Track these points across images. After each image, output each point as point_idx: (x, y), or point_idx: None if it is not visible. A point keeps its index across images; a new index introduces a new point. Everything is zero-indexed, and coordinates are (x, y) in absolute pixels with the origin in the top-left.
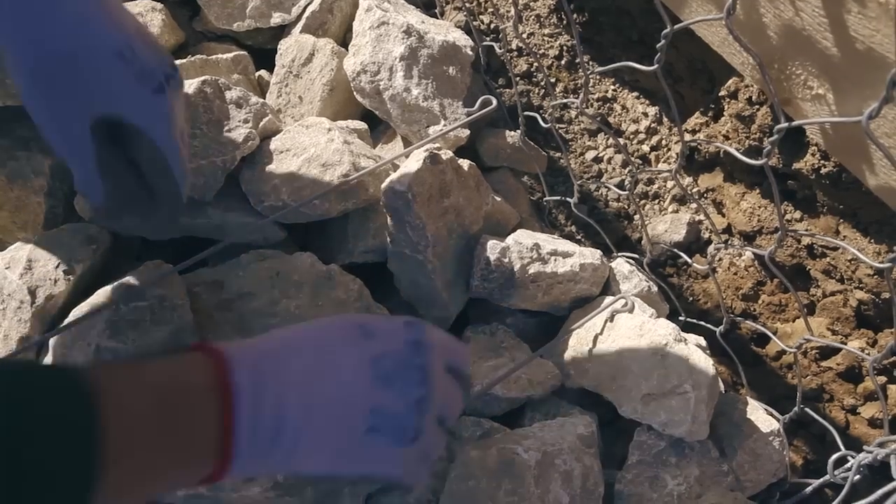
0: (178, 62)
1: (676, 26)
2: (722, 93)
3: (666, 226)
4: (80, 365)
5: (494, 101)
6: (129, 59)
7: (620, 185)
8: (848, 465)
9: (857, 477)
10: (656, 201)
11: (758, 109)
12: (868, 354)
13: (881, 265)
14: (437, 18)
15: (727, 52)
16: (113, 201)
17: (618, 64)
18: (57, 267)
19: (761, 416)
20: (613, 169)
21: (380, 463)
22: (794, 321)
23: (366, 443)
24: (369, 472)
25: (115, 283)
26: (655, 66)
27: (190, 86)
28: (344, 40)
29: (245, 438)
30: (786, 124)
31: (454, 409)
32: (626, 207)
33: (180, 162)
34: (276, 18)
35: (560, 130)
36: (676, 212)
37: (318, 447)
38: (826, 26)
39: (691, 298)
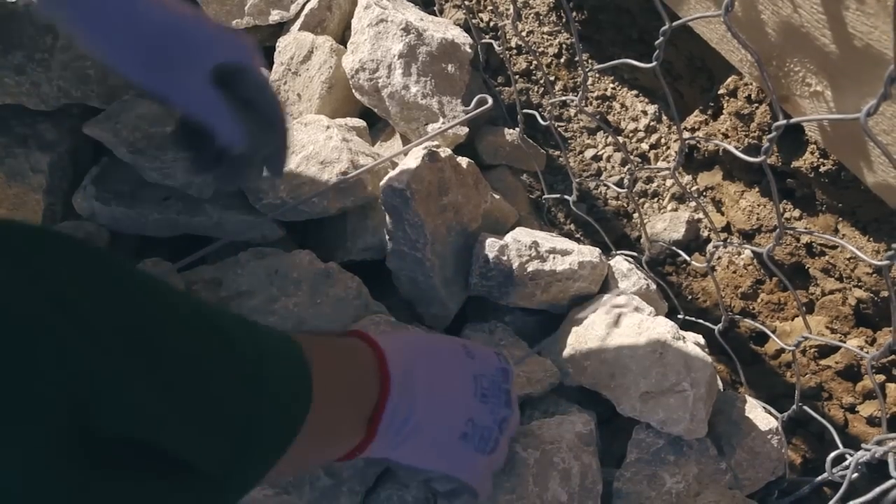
0: None
1: (675, 23)
2: (721, 91)
3: (665, 224)
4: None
5: (490, 100)
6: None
7: (619, 184)
8: (846, 462)
9: (856, 475)
10: (655, 199)
11: (757, 108)
12: (866, 353)
13: (879, 263)
14: (437, 16)
15: (725, 49)
16: (248, 143)
17: (616, 62)
18: None
19: (760, 415)
20: (612, 167)
21: (462, 466)
22: (792, 320)
23: (458, 445)
24: (453, 472)
25: None
26: (654, 63)
27: None
28: (343, 38)
29: (386, 423)
30: (784, 121)
31: (514, 431)
32: (625, 206)
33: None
34: (275, 16)
35: (559, 129)
36: (675, 210)
37: (427, 442)
38: (824, 23)
39: (690, 297)
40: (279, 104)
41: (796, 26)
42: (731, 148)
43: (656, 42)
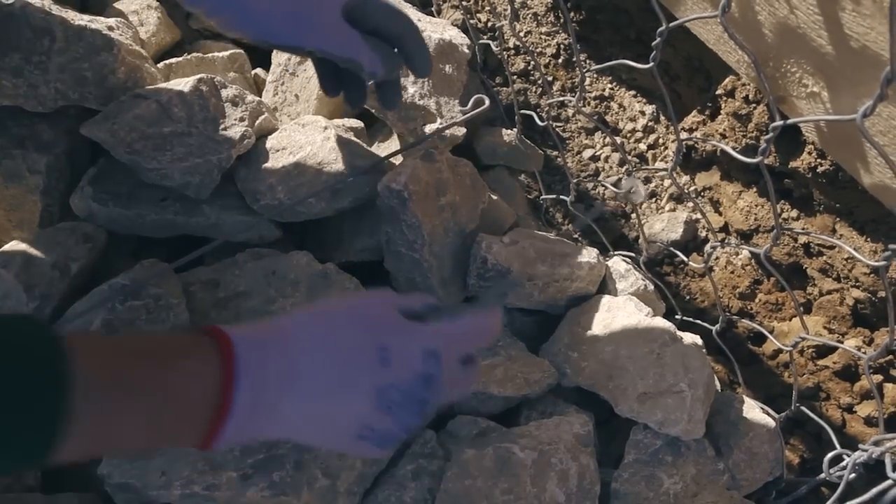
0: (174, 61)
1: (671, 24)
2: (719, 91)
3: (663, 224)
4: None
5: (487, 101)
6: None
7: (617, 184)
8: (843, 463)
9: (853, 475)
10: (653, 200)
11: (754, 108)
12: (864, 353)
13: (876, 263)
14: (434, 16)
15: (722, 49)
16: (385, 67)
17: (614, 62)
18: (53, 266)
19: (757, 415)
20: (610, 167)
21: (361, 454)
22: (790, 320)
23: (353, 443)
24: (352, 455)
25: (111, 282)
26: (651, 63)
27: (186, 84)
28: None
29: (228, 439)
30: (781, 122)
31: (461, 396)
32: (623, 205)
33: None
34: None
35: (557, 129)
36: (673, 210)
37: (311, 440)
38: (821, 24)
39: (688, 297)
40: (401, 14)
41: (793, 27)
42: (728, 149)
43: (654, 43)
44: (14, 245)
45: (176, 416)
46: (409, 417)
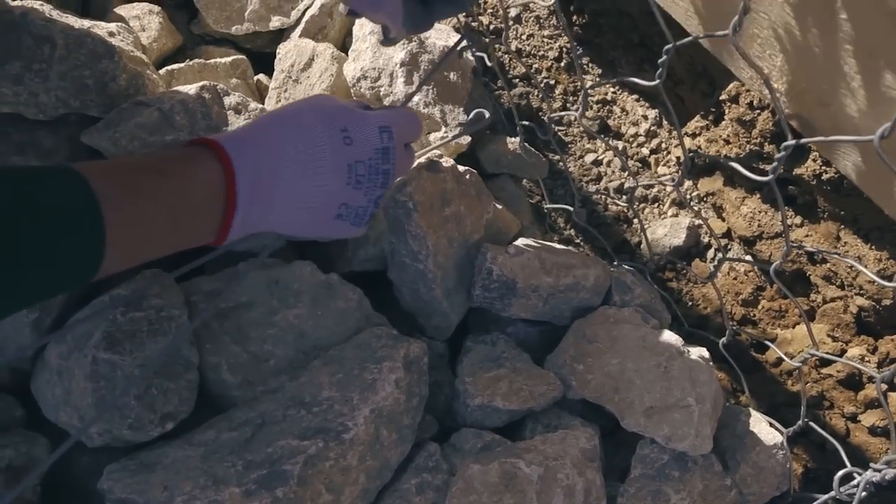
0: (175, 67)
1: (679, 42)
2: (723, 97)
3: (666, 230)
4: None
5: (488, 114)
6: None
7: (620, 190)
8: (855, 482)
9: (864, 493)
10: (656, 205)
11: (759, 114)
12: (874, 369)
13: (890, 285)
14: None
15: (735, 66)
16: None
17: (618, 78)
18: None
19: (764, 429)
20: (613, 172)
21: (339, 233)
22: (794, 327)
23: (334, 224)
24: (333, 237)
25: (112, 293)
26: (657, 81)
27: (188, 91)
28: (344, 45)
29: (237, 229)
30: (793, 142)
31: (405, 173)
32: (626, 211)
33: None
34: (275, 22)
35: (559, 133)
36: (676, 216)
37: (297, 224)
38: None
39: (691, 303)
40: None
41: (811, 46)
42: (737, 166)
43: (660, 61)
44: None
45: (191, 213)
46: (375, 189)
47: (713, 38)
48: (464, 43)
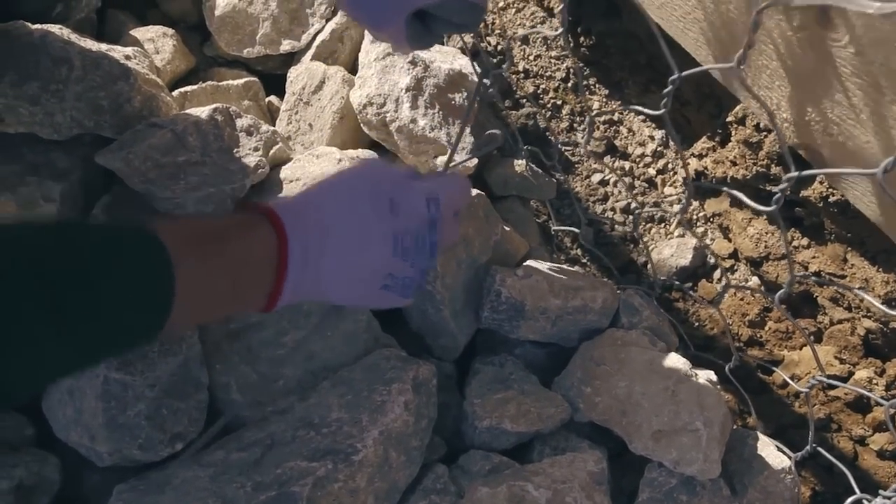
0: (189, 89)
1: (685, 73)
2: (729, 118)
3: (672, 250)
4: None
5: (500, 135)
6: None
7: (626, 209)
8: None
9: None
10: (662, 225)
11: (765, 136)
12: (881, 394)
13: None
14: (443, 39)
15: (744, 95)
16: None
17: (624, 106)
18: None
19: (772, 453)
20: (619, 192)
21: (389, 303)
22: (801, 349)
23: (380, 295)
24: (381, 307)
25: None
26: (662, 110)
27: (201, 113)
28: (354, 68)
29: (287, 298)
30: (795, 174)
31: (452, 241)
32: (632, 231)
33: None
34: (286, 46)
35: (566, 153)
36: (682, 236)
37: (346, 294)
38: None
39: (697, 324)
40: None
41: (820, 76)
42: (743, 197)
43: (665, 91)
44: None
45: (247, 280)
46: (422, 260)
47: (722, 68)
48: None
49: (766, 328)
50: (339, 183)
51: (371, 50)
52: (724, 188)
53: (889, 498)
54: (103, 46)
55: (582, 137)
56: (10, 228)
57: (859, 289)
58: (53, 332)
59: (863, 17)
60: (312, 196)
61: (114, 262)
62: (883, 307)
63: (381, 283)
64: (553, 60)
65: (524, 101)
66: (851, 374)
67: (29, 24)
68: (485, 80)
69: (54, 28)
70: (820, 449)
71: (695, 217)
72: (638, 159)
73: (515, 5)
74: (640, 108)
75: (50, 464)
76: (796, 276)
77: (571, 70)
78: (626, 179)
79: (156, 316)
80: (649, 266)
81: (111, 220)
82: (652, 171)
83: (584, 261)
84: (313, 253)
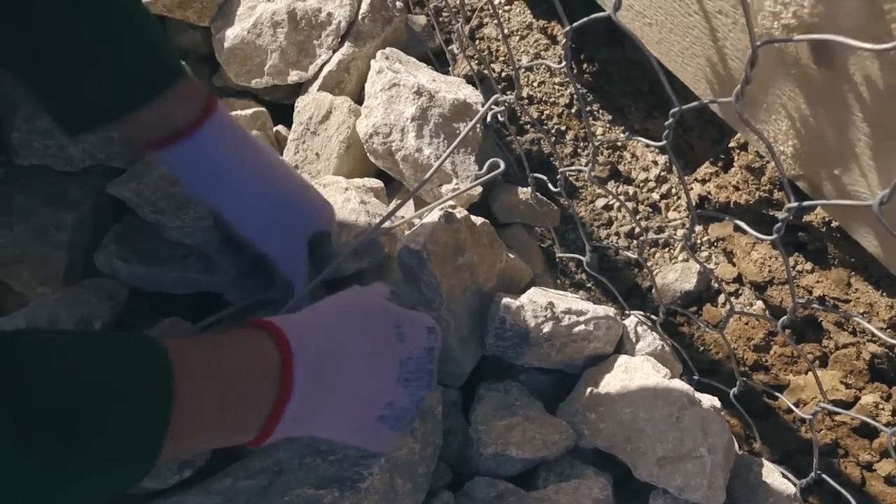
0: None
1: (684, 107)
2: (732, 144)
3: (676, 275)
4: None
5: (502, 165)
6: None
7: (631, 234)
8: None
9: None
10: (666, 249)
11: (767, 162)
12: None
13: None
14: (449, 66)
15: (742, 128)
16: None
17: (627, 136)
18: (77, 323)
19: (777, 479)
20: (624, 217)
21: (376, 442)
22: (806, 373)
23: (373, 426)
24: (365, 446)
25: None
26: (664, 142)
27: None
28: (360, 97)
29: (285, 426)
30: (795, 204)
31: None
32: (637, 256)
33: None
34: (293, 76)
35: (570, 178)
36: (687, 260)
37: (339, 427)
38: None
39: (702, 348)
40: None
41: (812, 112)
42: (743, 225)
43: (667, 123)
44: (39, 303)
45: (244, 400)
46: (420, 388)
47: (720, 102)
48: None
49: (772, 353)
50: (348, 305)
51: (377, 80)
52: (727, 216)
53: None
54: None
55: (586, 164)
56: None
57: (862, 314)
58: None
59: (858, 53)
60: (321, 313)
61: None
62: (884, 336)
63: (379, 413)
64: (557, 87)
65: (528, 126)
66: (858, 399)
67: None
68: (492, 107)
69: None
70: (825, 476)
71: (699, 241)
72: (642, 184)
73: (519, 33)
74: (642, 139)
75: None
76: (799, 302)
77: (575, 96)
78: (630, 204)
79: (152, 432)
80: (654, 291)
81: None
82: (656, 196)
83: (589, 286)
84: (323, 371)
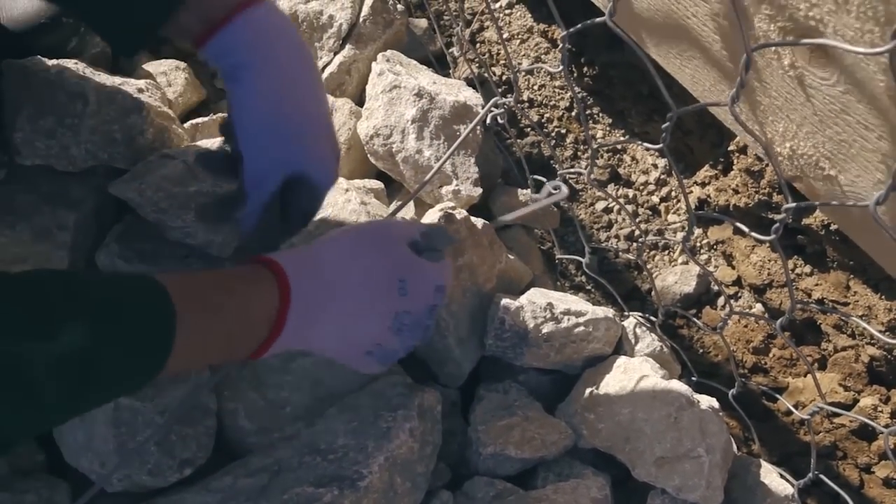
0: (200, 120)
1: (681, 110)
2: (731, 147)
3: (676, 277)
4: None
5: (565, 189)
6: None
7: (630, 237)
8: None
9: None
10: (666, 252)
11: (766, 165)
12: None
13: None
14: (450, 68)
15: (739, 130)
16: (259, 232)
17: (625, 140)
18: None
19: (775, 480)
20: (623, 219)
21: (362, 368)
22: (805, 376)
23: (362, 359)
24: (356, 370)
25: None
26: (661, 145)
27: (212, 144)
28: (361, 99)
29: (277, 349)
30: (793, 204)
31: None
32: (636, 258)
33: None
34: None
35: (570, 180)
36: (686, 263)
37: (329, 351)
38: (836, 113)
39: (701, 350)
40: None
41: (809, 113)
42: (742, 226)
43: (664, 126)
44: None
45: (244, 331)
46: (413, 339)
47: (717, 105)
48: (489, 115)
49: (771, 355)
50: (355, 247)
51: (378, 82)
52: (726, 219)
53: None
54: (117, 80)
55: (585, 167)
56: (22, 275)
57: (861, 316)
58: (53, 370)
59: (851, 56)
60: (323, 257)
61: (119, 307)
62: (883, 337)
63: (367, 349)
64: (557, 90)
65: (528, 129)
66: (856, 401)
67: (46, 60)
68: (492, 109)
69: (70, 63)
70: (823, 477)
71: (698, 244)
72: (641, 187)
73: (520, 36)
74: (641, 143)
75: (60, 490)
76: (798, 304)
77: (576, 100)
78: (630, 207)
79: (151, 366)
80: (653, 293)
81: (118, 273)
82: (655, 199)
83: (588, 288)
84: (312, 315)
